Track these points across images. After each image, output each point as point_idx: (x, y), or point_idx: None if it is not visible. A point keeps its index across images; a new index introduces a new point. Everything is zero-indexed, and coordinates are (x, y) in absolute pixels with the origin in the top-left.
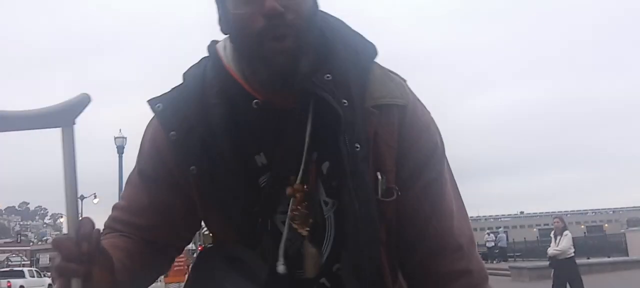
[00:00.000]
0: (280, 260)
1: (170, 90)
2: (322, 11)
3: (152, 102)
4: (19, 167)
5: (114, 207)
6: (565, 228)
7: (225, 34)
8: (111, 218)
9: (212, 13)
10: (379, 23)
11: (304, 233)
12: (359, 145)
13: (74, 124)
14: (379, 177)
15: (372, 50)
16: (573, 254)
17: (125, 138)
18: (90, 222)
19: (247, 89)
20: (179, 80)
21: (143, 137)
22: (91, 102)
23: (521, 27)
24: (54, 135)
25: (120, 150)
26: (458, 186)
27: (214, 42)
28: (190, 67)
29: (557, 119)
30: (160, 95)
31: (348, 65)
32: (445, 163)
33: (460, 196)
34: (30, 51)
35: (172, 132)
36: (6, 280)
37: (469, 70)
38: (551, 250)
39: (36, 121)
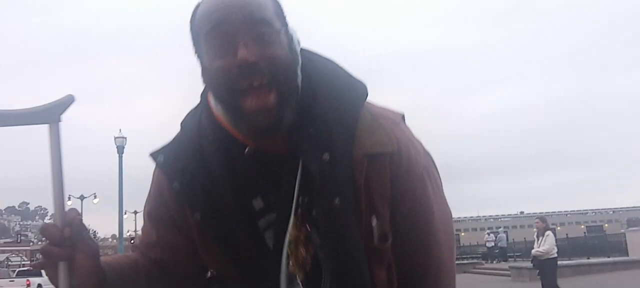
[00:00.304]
0: None
1: (170, 142)
2: (309, 52)
3: (154, 155)
4: (19, 167)
5: (137, 239)
6: (547, 229)
7: (207, 87)
8: (133, 246)
9: None
10: (379, 23)
11: (300, 276)
12: (339, 200)
13: (59, 120)
14: (374, 223)
15: (361, 92)
16: (556, 255)
17: (125, 138)
18: (74, 211)
19: (238, 137)
20: (178, 81)
21: (151, 181)
22: (85, 102)
23: (521, 28)
24: None
25: (120, 150)
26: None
27: (206, 90)
28: (187, 115)
29: (557, 119)
30: (161, 147)
31: (333, 115)
32: (436, 202)
33: (449, 220)
34: (32, 51)
35: (175, 183)
36: (25, 279)
37: (469, 70)
38: (534, 251)
39: (26, 118)
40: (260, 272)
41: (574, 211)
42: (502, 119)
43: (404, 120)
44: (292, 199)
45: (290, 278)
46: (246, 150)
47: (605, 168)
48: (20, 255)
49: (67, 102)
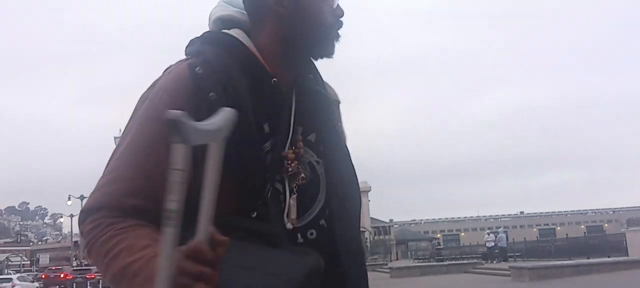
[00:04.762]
0: (286, 217)
1: (202, 55)
2: None
3: (192, 65)
4: (19, 167)
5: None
6: None
7: (288, 14)
8: None
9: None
10: (380, 23)
11: (294, 189)
12: (339, 125)
13: (224, 139)
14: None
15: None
16: None
17: None
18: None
19: (267, 68)
20: None
21: (164, 89)
22: (85, 102)
23: (521, 28)
24: (53, 136)
25: None
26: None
27: (226, 32)
28: (203, 44)
29: (557, 119)
30: (197, 59)
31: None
32: None
33: None
34: (32, 52)
35: (211, 94)
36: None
37: (469, 71)
38: None
39: (198, 135)
40: (258, 191)
41: (574, 211)
42: (502, 119)
43: None
44: (290, 125)
45: (282, 195)
46: (273, 80)
47: (605, 168)
48: (20, 255)
49: (230, 120)
